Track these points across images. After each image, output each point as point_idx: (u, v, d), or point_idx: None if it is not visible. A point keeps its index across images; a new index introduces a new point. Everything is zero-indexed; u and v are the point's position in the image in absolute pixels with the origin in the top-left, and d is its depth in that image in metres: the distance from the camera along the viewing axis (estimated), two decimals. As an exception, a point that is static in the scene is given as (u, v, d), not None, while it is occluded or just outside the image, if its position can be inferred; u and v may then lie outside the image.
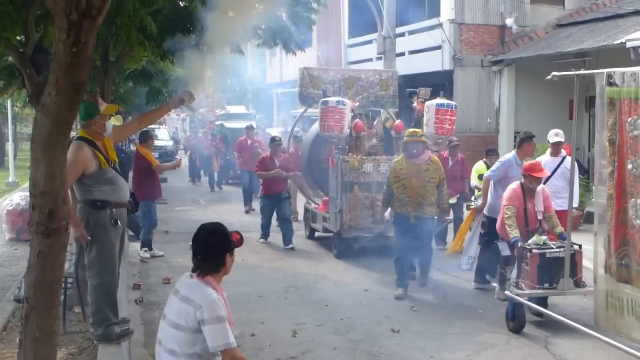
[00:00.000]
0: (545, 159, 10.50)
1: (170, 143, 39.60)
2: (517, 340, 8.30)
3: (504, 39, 22.53)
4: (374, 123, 14.41)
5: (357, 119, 13.38)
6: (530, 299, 8.53)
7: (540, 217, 9.14)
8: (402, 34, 23.21)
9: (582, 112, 20.98)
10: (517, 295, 8.38)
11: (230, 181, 26.49)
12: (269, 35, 11.09)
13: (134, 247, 13.62)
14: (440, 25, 22.38)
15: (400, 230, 10.48)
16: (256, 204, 17.44)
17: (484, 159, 13.15)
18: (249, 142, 20.82)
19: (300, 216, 16.42)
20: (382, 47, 20.35)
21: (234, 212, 19.52)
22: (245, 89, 48.42)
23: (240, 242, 4.47)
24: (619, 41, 16.09)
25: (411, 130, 10.78)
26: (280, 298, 10.25)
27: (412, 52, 23.84)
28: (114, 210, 7.01)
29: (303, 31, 12.13)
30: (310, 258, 13.23)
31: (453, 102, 13.11)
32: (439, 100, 12.68)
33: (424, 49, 23.37)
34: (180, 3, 8.21)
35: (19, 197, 14.55)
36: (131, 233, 14.45)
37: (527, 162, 9.56)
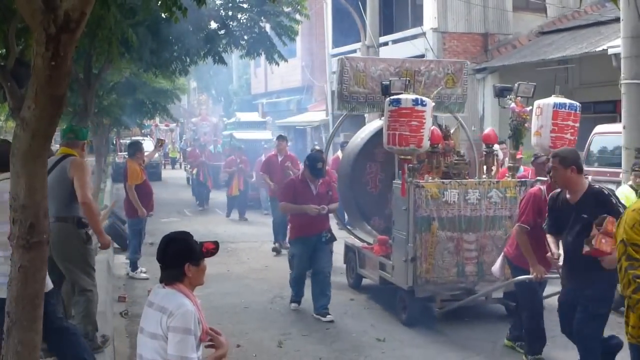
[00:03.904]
0: None
1: (155, 155, 37.92)
2: (502, 348, 8.31)
3: (487, 47, 22.65)
4: (451, 132, 10.52)
5: (434, 127, 9.79)
6: None
7: None
8: (385, 43, 23.30)
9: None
10: None
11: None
12: (252, 46, 11.12)
13: (118, 260, 13.58)
14: (423, 34, 22.48)
15: None
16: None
17: (629, 182, 9.43)
18: (279, 158, 15.00)
19: (339, 257, 11.79)
20: (365, 56, 20.40)
21: (220, 223, 19.50)
22: (230, 99, 48.43)
23: (212, 251, 4.38)
24: (600, 48, 16.20)
25: None
26: (266, 309, 10.23)
27: (396, 61, 23.91)
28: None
29: (286, 41, 12.17)
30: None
31: (576, 102, 9.30)
32: (556, 99, 9.10)
33: (408, 57, 23.44)
34: (162, 15, 8.19)
35: (4, 210, 14.34)
36: (116, 245, 14.42)
37: None
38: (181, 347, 4.07)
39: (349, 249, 11.64)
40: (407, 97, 8.97)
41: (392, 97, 9.12)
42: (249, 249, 15.27)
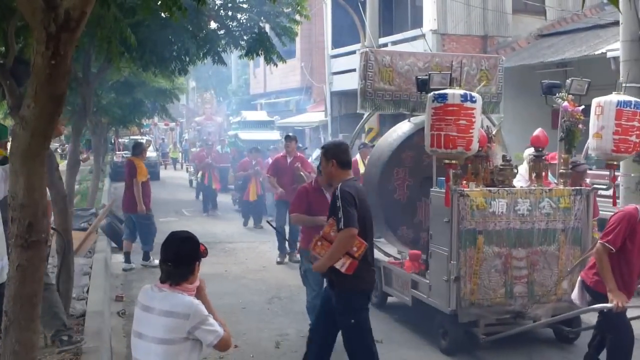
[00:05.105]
0: None
1: (154, 154, 36.69)
2: (498, 349, 8.29)
3: (486, 49, 22.65)
4: (493, 134, 9.01)
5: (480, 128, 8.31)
6: None
7: None
8: (385, 45, 23.29)
9: (564, 121, 21.15)
10: None
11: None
12: (251, 46, 11.07)
13: (116, 259, 13.59)
14: (423, 35, 22.48)
15: None
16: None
17: None
18: (288, 160, 14.11)
19: None
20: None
21: (218, 223, 19.48)
22: (229, 99, 48.37)
23: (205, 253, 4.44)
24: (599, 51, 16.20)
25: None
26: (263, 309, 10.22)
27: (395, 63, 23.87)
28: None
29: (286, 42, 12.14)
30: (294, 269, 13.18)
31: None
32: (619, 97, 8.07)
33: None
34: (162, 14, 8.18)
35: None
36: (114, 245, 14.43)
37: None
38: (211, 329, 4.22)
39: None
40: (454, 92, 7.68)
41: (437, 92, 7.80)
42: (247, 249, 15.26)
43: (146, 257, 13.38)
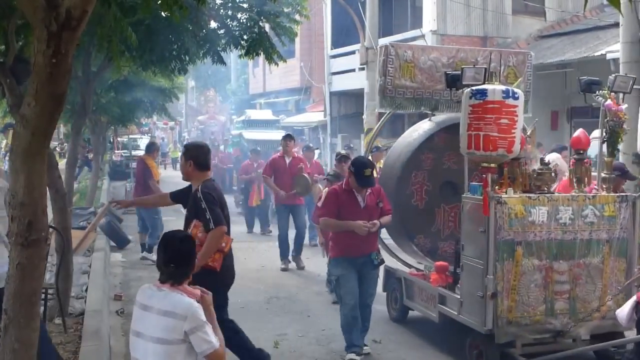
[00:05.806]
0: None
1: None
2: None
3: (486, 50, 22.67)
4: (527, 134, 7.90)
5: None
6: None
7: None
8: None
9: (563, 122, 21.17)
10: None
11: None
12: (251, 46, 11.06)
13: (115, 258, 13.59)
14: (422, 36, 22.50)
15: None
16: (305, 254, 13.73)
17: None
18: (286, 160, 13.63)
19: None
20: (364, 57, 20.38)
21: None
22: (229, 99, 48.31)
23: None
24: (599, 53, 16.22)
25: None
26: (262, 309, 10.23)
27: (395, 63, 23.85)
28: None
29: (286, 42, 12.14)
30: (293, 269, 13.19)
31: None
32: None
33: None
34: (162, 14, 8.18)
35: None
36: (112, 244, 14.44)
37: None
38: (206, 338, 4.22)
39: (390, 276, 9.62)
40: (495, 87, 7.02)
41: (475, 88, 7.07)
42: (245, 248, 15.23)
43: (149, 249, 13.48)
